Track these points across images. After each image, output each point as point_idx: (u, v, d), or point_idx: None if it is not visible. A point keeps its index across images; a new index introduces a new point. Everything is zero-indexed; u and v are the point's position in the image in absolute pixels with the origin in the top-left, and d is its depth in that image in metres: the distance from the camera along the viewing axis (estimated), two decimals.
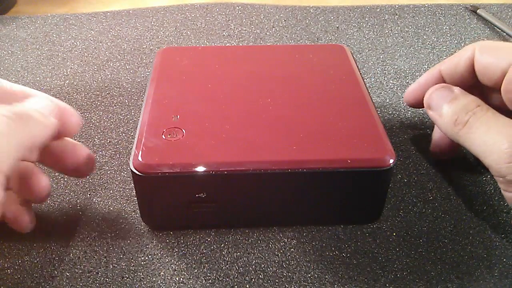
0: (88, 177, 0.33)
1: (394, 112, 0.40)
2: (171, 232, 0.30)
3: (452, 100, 0.29)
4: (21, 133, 0.23)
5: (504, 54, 0.29)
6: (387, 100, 0.41)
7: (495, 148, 0.26)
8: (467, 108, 0.28)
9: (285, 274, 0.28)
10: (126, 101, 0.41)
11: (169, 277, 0.27)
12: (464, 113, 0.28)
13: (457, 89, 0.30)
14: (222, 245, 0.29)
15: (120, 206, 0.31)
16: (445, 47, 0.49)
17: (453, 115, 0.29)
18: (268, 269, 0.28)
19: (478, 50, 0.30)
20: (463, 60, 0.30)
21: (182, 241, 0.29)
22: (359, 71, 0.35)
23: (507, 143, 0.26)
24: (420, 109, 0.40)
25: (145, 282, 0.27)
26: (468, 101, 0.29)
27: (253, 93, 0.32)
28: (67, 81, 0.44)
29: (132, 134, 0.37)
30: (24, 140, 0.23)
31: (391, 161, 0.27)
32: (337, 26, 0.53)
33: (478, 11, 0.55)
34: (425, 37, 0.51)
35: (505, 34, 0.51)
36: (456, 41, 0.50)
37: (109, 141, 0.37)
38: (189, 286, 0.27)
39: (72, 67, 0.46)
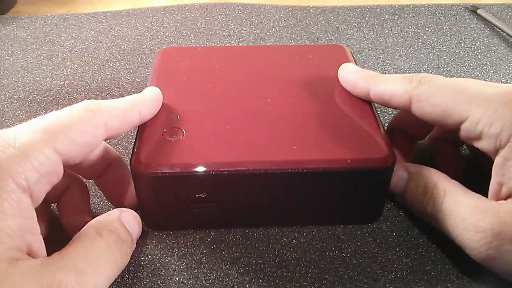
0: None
1: (394, 112, 0.40)
2: (171, 232, 0.30)
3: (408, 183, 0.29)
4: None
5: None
6: None
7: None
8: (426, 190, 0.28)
9: (285, 274, 0.28)
10: None
11: (169, 277, 0.27)
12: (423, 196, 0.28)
13: (410, 167, 0.30)
14: (222, 245, 0.29)
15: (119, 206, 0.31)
16: (445, 47, 0.49)
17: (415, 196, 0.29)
18: (268, 269, 0.28)
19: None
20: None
21: (182, 241, 0.29)
22: None
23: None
24: None
25: (145, 282, 0.27)
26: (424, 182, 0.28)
27: (253, 93, 0.32)
28: (67, 81, 0.44)
29: (132, 134, 0.37)
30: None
31: (391, 161, 0.27)
32: (337, 26, 0.53)
33: (478, 11, 0.55)
34: (425, 37, 0.51)
35: (505, 34, 0.51)
36: (456, 41, 0.50)
37: (109, 141, 0.37)
38: (189, 286, 0.27)
39: (72, 67, 0.46)
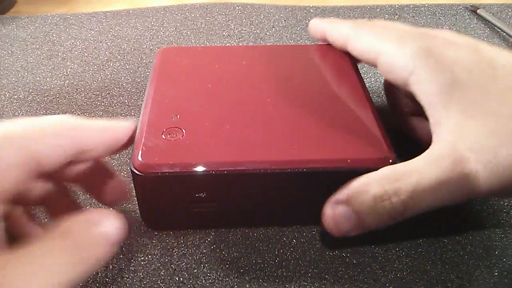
0: None
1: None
2: (171, 232, 0.30)
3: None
4: None
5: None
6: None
7: None
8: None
9: (285, 274, 0.28)
10: (126, 101, 0.41)
11: (169, 277, 0.27)
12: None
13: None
14: (222, 245, 0.29)
15: (120, 206, 0.31)
16: None
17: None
18: (268, 269, 0.28)
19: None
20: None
21: (182, 241, 0.29)
22: (359, 71, 0.35)
23: None
24: None
25: (145, 282, 0.27)
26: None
27: (253, 93, 0.32)
28: (67, 81, 0.44)
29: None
30: None
31: (391, 161, 0.27)
32: None
33: (478, 11, 0.55)
34: None
35: (505, 34, 0.51)
36: None
37: None
38: (189, 286, 0.27)
39: (72, 67, 0.46)
